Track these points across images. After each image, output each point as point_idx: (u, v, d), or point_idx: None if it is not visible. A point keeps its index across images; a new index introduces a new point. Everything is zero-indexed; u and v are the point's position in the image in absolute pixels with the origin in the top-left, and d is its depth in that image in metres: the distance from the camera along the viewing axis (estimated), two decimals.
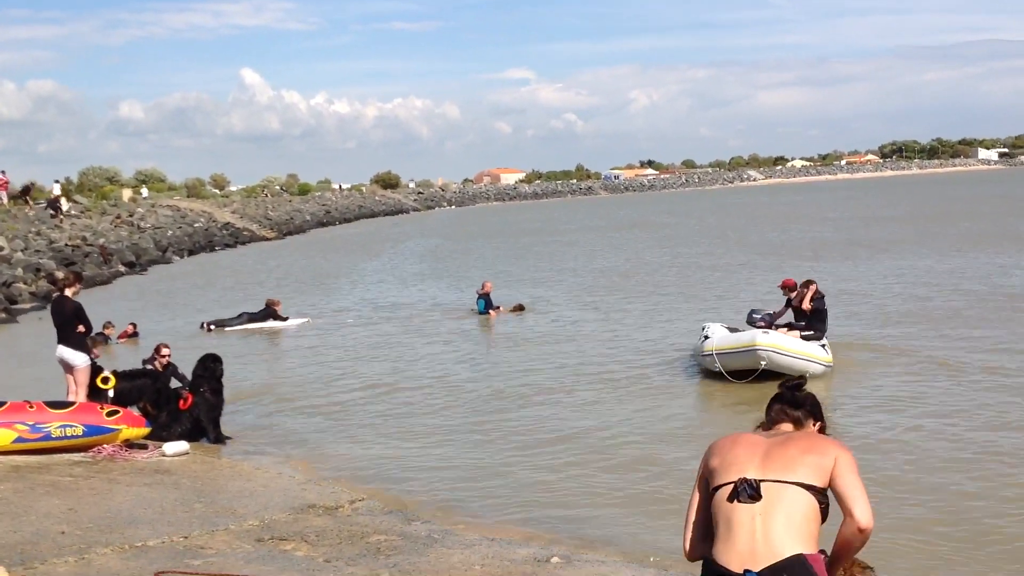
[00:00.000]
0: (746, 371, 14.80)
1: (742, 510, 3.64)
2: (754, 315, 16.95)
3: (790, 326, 16.09)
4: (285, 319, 23.61)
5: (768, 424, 4.03)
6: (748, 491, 3.65)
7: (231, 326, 23.22)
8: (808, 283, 16.35)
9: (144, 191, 74.44)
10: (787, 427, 3.99)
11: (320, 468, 11.10)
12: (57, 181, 59.84)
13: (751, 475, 3.68)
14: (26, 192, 53.76)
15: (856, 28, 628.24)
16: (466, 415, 13.74)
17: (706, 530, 3.79)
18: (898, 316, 20.32)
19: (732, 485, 3.69)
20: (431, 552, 7.60)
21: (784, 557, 3.56)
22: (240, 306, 25.57)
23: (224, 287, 34.39)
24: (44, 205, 52.82)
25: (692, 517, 3.88)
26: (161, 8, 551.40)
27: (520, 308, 24.12)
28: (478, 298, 24.09)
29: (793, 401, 4.05)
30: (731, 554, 3.60)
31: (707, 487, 3.82)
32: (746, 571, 3.55)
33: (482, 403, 14.45)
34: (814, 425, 4.02)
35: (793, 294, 16.45)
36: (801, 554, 3.58)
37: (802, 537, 3.60)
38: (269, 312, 23.58)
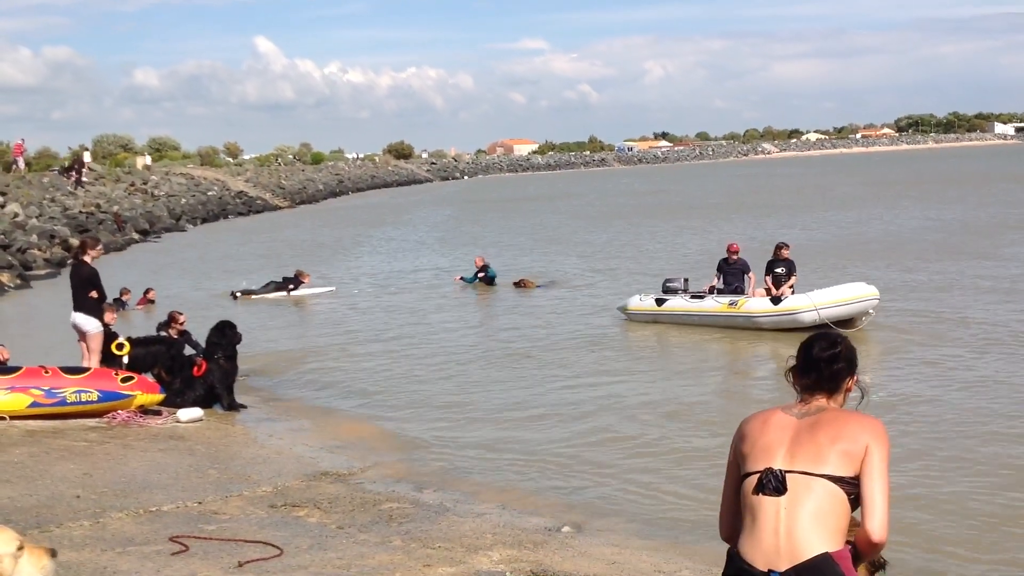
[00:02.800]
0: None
1: (767, 503, 3.49)
2: (669, 283, 18.22)
3: (775, 282, 17.03)
4: (299, 286, 23.78)
5: (801, 393, 3.73)
6: (773, 483, 3.50)
7: (259, 294, 23.44)
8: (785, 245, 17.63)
9: (147, 159, 73.90)
10: (820, 401, 3.69)
11: (333, 436, 11.15)
12: (86, 149, 59.85)
13: (778, 465, 3.52)
14: (77, 168, 50.96)
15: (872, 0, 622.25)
16: (479, 386, 13.77)
17: (737, 514, 3.64)
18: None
19: (758, 475, 3.53)
20: (443, 520, 7.64)
21: (809, 556, 3.42)
22: (260, 275, 25.74)
23: (241, 256, 34.47)
24: (58, 171, 52.73)
25: (727, 498, 3.70)
26: None
27: (524, 284, 23.45)
28: (476, 272, 24.10)
29: (829, 374, 3.71)
30: (756, 551, 3.46)
31: (738, 471, 3.65)
32: (770, 571, 3.43)
33: (496, 374, 14.49)
34: (851, 379, 3.75)
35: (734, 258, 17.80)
36: (827, 553, 3.43)
37: (829, 532, 3.45)
38: (296, 282, 23.75)
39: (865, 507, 3.47)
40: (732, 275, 17.63)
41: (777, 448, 3.56)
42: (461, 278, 24.40)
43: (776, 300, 16.67)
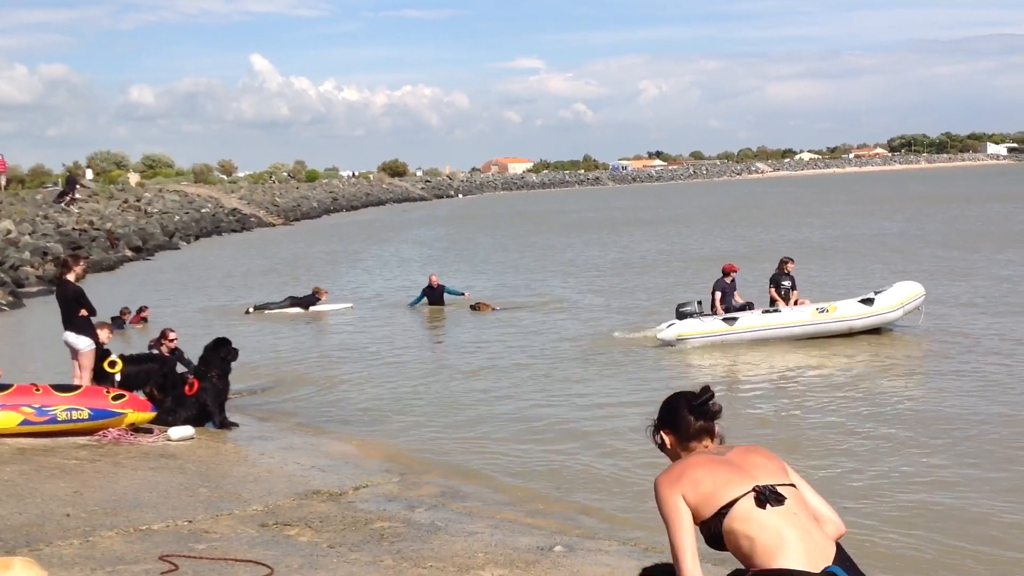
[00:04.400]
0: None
1: (783, 514, 3.58)
2: (684, 308, 17.68)
3: (784, 295, 17.57)
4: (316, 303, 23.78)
5: (688, 439, 3.89)
6: (771, 495, 3.60)
7: (275, 309, 23.48)
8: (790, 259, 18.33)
9: (132, 176, 73.40)
10: (707, 443, 3.89)
11: (324, 455, 11.11)
12: (79, 169, 59.79)
13: (755, 484, 3.63)
14: (70, 189, 50.00)
15: (869, 21, 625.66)
16: (472, 405, 13.75)
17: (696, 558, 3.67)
18: None
19: (752, 494, 3.60)
20: (434, 539, 7.61)
21: (833, 549, 3.60)
22: (262, 290, 25.77)
23: (244, 273, 34.42)
24: (57, 188, 52.47)
25: (690, 546, 3.64)
26: None
27: (480, 307, 22.71)
28: (422, 291, 23.61)
29: (717, 414, 3.94)
30: (798, 558, 3.51)
31: (700, 517, 3.65)
32: (825, 569, 3.51)
33: (488, 392, 14.47)
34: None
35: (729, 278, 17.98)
36: (838, 543, 3.67)
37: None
38: (312, 300, 23.73)
39: (822, 505, 3.83)
40: (729, 294, 17.76)
41: (737, 474, 3.66)
42: (411, 305, 23.67)
43: (818, 309, 17.26)
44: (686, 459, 3.82)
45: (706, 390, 3.98)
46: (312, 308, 23.50)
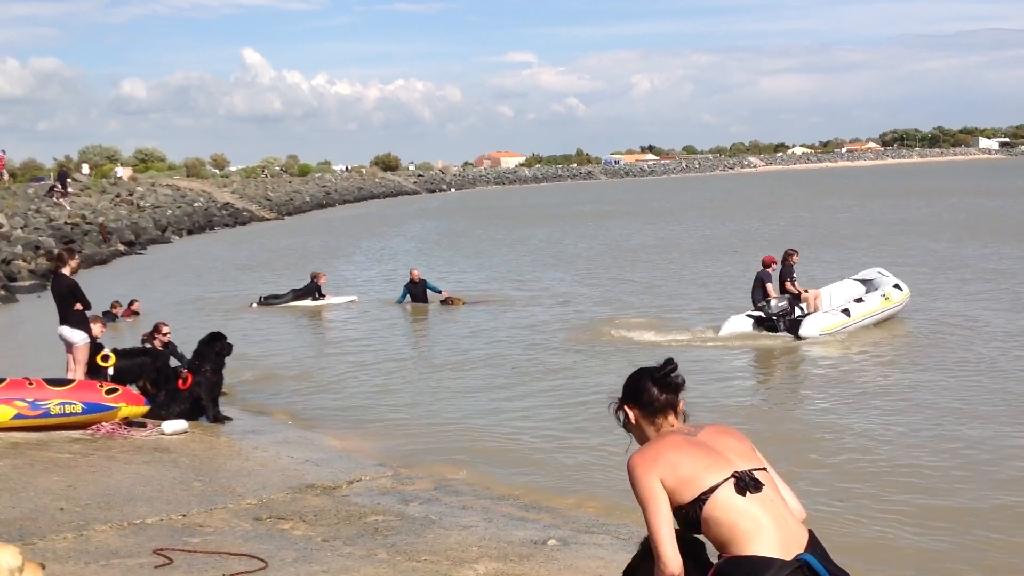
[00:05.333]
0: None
1: (760, 501, 3.59)
2: (779, 303, 17.81)
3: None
4: (323, 296, 23.66)
5: (654, 413, 3.87)
6: (751, 482, 3.61)
7: (279, 303, 23.38)
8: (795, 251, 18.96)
9: (120, 170, 72.96)
10: (672, 419, 3.87)
11: (318, 448, 11.12)
12: (69, 164, 59.62)
13: (733, 469, 3.63)
14: (60, 181, 50.12)
15: (860, 15, 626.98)
16: (466, 397, 13.77)
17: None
18: None
19: (732, 481, 3.59)
20: (428, 533, 7.63)
21: (806, 536, 3.63)
22: (250, 282, 25.74)
23: (239, 265, 34.39)
24: (45, 182, 52.34)
25: (669, 532, 3.61)
26: None
27: (452, 301, 22.41)
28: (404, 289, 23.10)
29: (681, 386, 3.92)
30: (774, 545, 3.53)
31: (677, 499, 3.62)
32: (798, 556, 3.52)
33: (480, 384, 14.49)
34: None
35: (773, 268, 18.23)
36: (810, 529, 3.71)
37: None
38: (313, 287, 23.64)
39: (786, 490, 3.80)
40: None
41: (715, 459, 3.65)
42: (397, 303, 23.13)
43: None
44: (661, 440, 3.78)
45: (670, 362, 3.94)
46: (317, 300, 23.42)
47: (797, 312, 17.78)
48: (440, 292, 22.83)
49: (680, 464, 3.62)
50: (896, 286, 18.62)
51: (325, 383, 14.99)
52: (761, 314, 17.51)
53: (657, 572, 3.59)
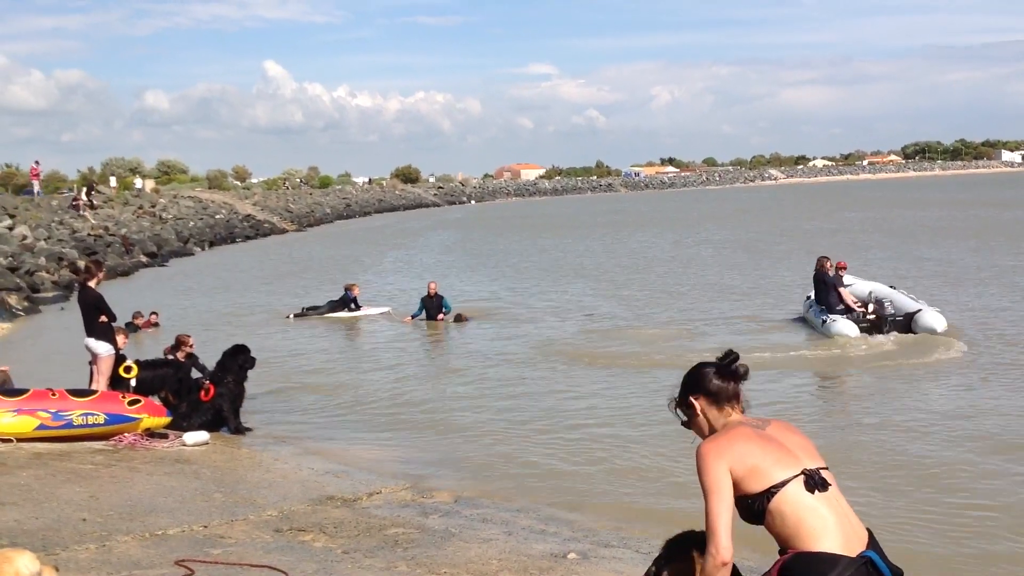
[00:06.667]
0: None
1: (826, 499, 3.69)
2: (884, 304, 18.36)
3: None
4: (359, 307, 23.72)
5: (720, 403, 3.93)
6: (820, 481, 3.70)
7: (315, 314, 23.51)
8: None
9: (138, 182, 73.35)
10: (738, 408, 3.94)
11: (339, 460, 11.14)
12: (92, 178, 60.09)
13: (802, 467, 3.72)
14: (87, 194, 50.78)
15: (882, 27, 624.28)
16: (487, 410, 13.75)
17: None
18: None
19: (802, 478, 3.68)
20: (448, 545, 7.62)
21: (866, 534, 3.72)
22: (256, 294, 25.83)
23: (264, 277, 34.54)
24: (72, 193, 52.62)
25: (728, 521, 3.69)
26: None
27: (463, 318, 22.10)
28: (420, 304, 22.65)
29: (744, 375, 4.01)
30: (838, 542, 3.62)
31: (742, 490, 3.70)
32: (861, 554, 3.62)
33: (500, 398, 14.46)
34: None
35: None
36: (869, 528, 3.78)
37: None
38: (348, 299, 23.74)
39: None
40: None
41: (784, 454, 3.74)
42: (412, 317, 22.68)
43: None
44: (731, 430, 3.84)
45: (730, 352, 4.01)
46: (353, 311, 23.48)
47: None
48: (450, 310, 22.57)
49: (750, 455, 3.71)
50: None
51: (346, 395, 15.01)
52: (871, 316, 17.99)
53: (708, 559, 3.66)
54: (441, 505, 9.28)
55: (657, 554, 4.08)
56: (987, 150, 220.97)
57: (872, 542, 3.71)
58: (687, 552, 3.90)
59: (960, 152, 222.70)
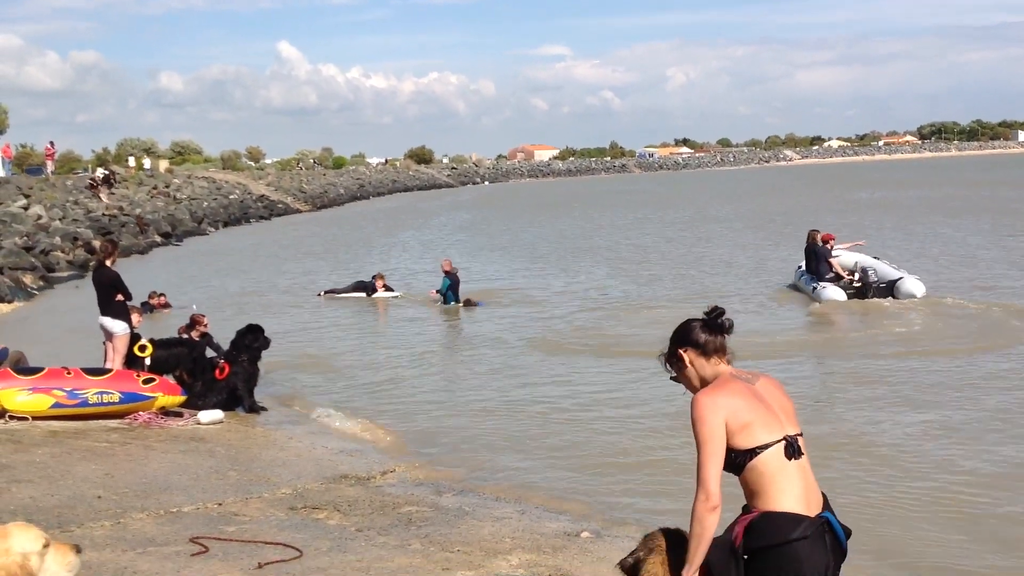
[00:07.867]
0: None
1: (800, 466, 3.89)
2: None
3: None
4: (375, 290, 23.93)
5: (707, 355, 4.06)
6: (797, 449, 3.91)
7: (343, 293, 23.94)
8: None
9: (146, 162, 73.56)
10: (725, 360, 4.09)
11: (352, 439, 11.17)
12: (108, 159, 60.22)
13: (784, 432, 3.90)
14: (107, 181, 50.18)
15: (898, 6, 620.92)
16: (499, 391, 13.75)
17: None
18: None
19: (783, 444, 3.87)
20: (462, 524, 7.64)
21: (822, 496, 3.97)
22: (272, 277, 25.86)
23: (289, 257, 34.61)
24: (88, 175, 52.69)
25: (719, 472, 3.85)
26: None
27: (471, 302, 21.71)
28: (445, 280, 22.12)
29: (730, 329, 4.14)
30: (801, 502, 3.84)
31: (732, 443, 3.85)
32: (819, 515, 3.85)
33: (515, 379, 14.46)
34: None
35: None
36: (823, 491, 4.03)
37: None
38: (371, 287, 23.94)
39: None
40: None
41: (771, 417, 3.92)
42: (437, 291, 22.26)
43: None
44: (726, 383, 3.98)
45: (716, 308, 4.19)
46: (371, 295, 23.72)
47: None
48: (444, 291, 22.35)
49: (743, 412, 3.87)
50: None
51: (360, 375, 15.03)
52: (858, 284, 19.49)
53: (699, 504, 3.80)
54: (455, 484, 9.31)
55: (635, 548, 4.19)
56: (1004, 131, 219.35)
57: (826, 504, 3.94)
58: (661, 545, 4.07)
59: (977, 133, 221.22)
